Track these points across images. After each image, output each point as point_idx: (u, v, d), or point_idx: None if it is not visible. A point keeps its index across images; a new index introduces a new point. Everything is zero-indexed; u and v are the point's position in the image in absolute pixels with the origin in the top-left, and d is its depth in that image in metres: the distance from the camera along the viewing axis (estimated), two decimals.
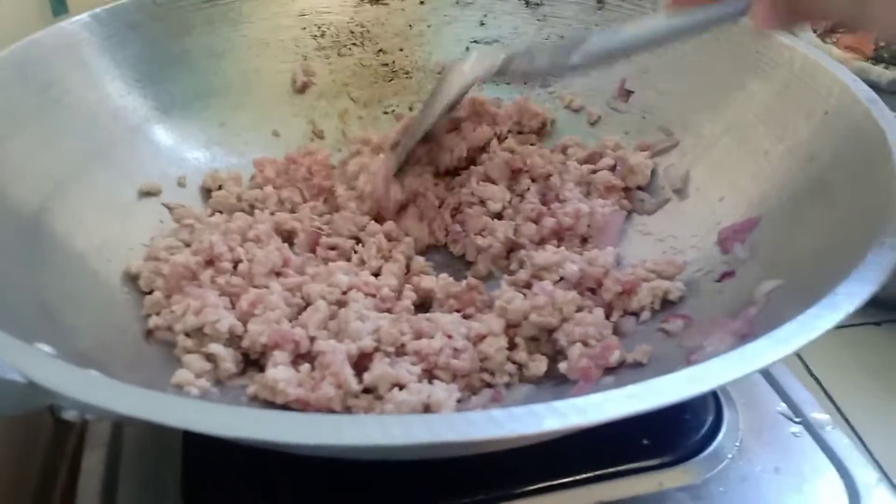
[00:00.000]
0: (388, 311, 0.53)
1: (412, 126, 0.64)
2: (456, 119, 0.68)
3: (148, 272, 0.53)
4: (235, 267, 0.54)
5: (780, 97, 0.56)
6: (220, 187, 0.64)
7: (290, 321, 0.50)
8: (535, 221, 0.60)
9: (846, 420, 0.69)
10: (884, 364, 0.76)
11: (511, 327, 0.51)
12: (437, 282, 0.56)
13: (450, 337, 0.48)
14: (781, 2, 0.43)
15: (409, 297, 0.54)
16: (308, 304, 0.52)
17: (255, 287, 0.52)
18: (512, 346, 0.50)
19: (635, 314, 0.53)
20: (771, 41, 0.58)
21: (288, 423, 0.30)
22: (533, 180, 0.65)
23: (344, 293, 0.53)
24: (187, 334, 0.49)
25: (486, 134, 0.68)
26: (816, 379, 0.73)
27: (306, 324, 0.49)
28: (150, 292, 0.52)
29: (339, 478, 0.48)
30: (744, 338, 0.43)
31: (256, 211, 0.61)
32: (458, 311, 0.53)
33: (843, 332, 0.77)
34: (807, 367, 0.74)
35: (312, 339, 0.49)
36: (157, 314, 0.51)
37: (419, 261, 0.59)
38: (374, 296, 0.53)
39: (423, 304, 0.56)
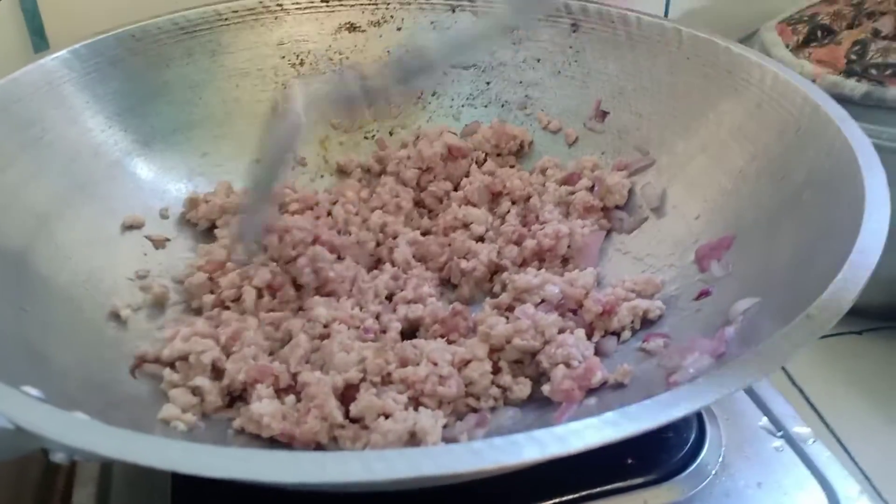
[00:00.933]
0: (373, 340, 0.53)
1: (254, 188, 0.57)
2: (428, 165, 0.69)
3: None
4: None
5: (753, 116, 0.57)
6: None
7: (271, 354, 0.51)
8: (517, 243, 0.61)
9: (830, 430, 0.69)
10: (867, 373, 0.76)
11: (494, 351, 0.51)
12: (424, 309, 0.56)
13: (435, 364, 0.49)
14: None
15: (395, 327, 0.54)
16: (290, 339, 0.52)
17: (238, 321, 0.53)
18: (496, 370, 0.50)
19: (616, 334, 0.54)
20: (742, 60, 0.59)
21: (270, 461, 0.30)
22: (513, 202, 0.66)
23: (325, 326, 0.53)
24: (173, 367, 0.50)
25: (463, 167, 0.69)
26: (800, 389, 0.74)
27: (287, 358, 0.50)
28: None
29: None
30: (721, 357, 0.43)
31: None
32: (442, 336, 0.54)
33: (825, 342, 0.78)
34: (790, 377, 0.75)
35: (295, 374, 0.49)
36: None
37: (422, 291, 0.58)
38: (357, 327, 0.53)
39: (410, 329, 0.56)
